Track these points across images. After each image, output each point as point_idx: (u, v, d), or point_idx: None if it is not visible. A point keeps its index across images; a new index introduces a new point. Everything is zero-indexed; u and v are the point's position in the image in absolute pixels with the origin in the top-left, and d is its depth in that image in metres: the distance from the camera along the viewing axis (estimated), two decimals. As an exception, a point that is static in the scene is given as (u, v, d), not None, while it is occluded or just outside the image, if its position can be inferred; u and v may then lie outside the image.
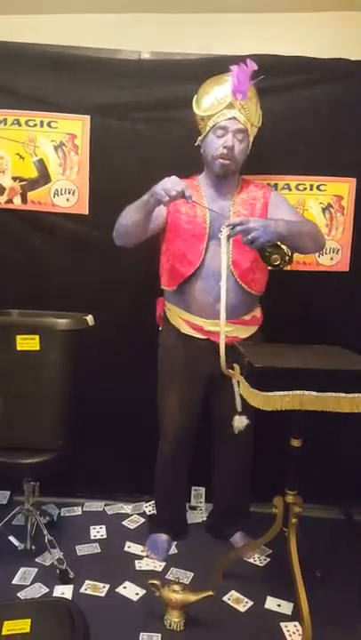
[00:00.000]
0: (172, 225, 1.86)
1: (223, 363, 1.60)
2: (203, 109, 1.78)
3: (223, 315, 1.58)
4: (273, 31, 2.18)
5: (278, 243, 1.61)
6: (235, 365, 1.61)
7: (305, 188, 2.14)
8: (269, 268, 1.69)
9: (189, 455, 2.03)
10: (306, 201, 2.14)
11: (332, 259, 2.18)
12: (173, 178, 1.60)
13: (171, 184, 1.58)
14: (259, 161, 2.02)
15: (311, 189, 2.14)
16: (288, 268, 2.17)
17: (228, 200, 1.86)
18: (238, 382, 1.61)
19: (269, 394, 1.38)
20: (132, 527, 2.16)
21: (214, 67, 1.80)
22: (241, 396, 1.60)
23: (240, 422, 1.63)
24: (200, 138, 1.84)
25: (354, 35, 2.17)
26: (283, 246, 1.62)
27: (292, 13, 2.19)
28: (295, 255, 2.15)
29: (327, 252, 2.17)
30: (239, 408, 1.63)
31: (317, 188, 2.14)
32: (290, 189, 2.13)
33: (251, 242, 1.56)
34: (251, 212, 1.83)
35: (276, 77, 2.04)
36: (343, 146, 2.11)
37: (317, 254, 2.16)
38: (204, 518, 2.21)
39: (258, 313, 1.95)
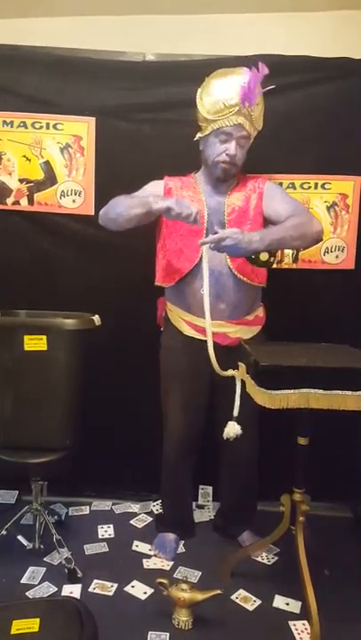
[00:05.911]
0: (169, 220, 1.82)
1: (215, 365, 1.61)
2: (207, 110, 1.74)
3: (208, 316, 1.64)
4: (277, 31, 2.18)
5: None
6: (240, 364, 1.61)
7: (310, 187, 2.14)
8: None
9: (194, 456, 2.03)
10: (311, 199, 2.14)
11: (337, 256, 2.18)
12: (187, 206, 1.61)
13: (186, 211, 1.59)
14: (264, 160, 2.02)
15: (316, 188, 2.14)
16: (294, 265, 2.18)
17: (224, 195, 1.86)
18: (242, 385, 1.60)
19: (276, 392, 1.38)
20: (139, 526, 2.17)
21: (219, 68, 1.79)
22: (241, 398, 1.60)
23: (233, 429, 1.63)
24: (200, 135, 1.82)
25: (358, 33, 2.17)
26: (261, 255, 1.68)
27: (297, 13, 2.19)
28: (300, 253, 2.16)
29: (333, 249, 2.17)
30: (236, 413, 1.62)
31: (322, 186, 2.14)
32: (295, 188, 2.12)
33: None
34: (246, 205, 1.83)
35: (281, 77, 2.03)
36: (347, 144, 2.11)
37: (322, 253, 2.16)
38: (212, 517, 2.21)
39: (261, 312, 1.94)
